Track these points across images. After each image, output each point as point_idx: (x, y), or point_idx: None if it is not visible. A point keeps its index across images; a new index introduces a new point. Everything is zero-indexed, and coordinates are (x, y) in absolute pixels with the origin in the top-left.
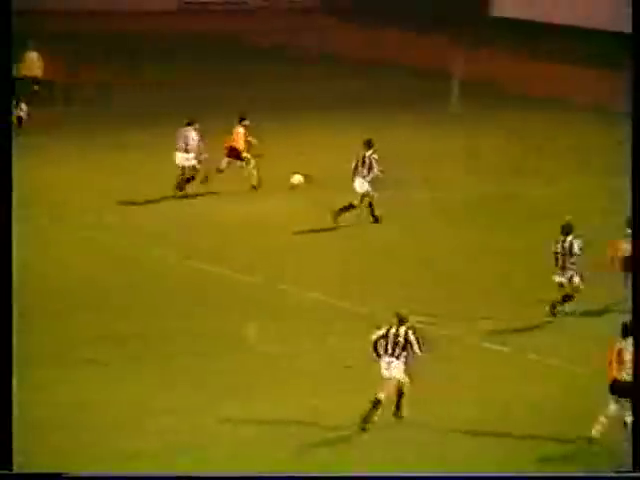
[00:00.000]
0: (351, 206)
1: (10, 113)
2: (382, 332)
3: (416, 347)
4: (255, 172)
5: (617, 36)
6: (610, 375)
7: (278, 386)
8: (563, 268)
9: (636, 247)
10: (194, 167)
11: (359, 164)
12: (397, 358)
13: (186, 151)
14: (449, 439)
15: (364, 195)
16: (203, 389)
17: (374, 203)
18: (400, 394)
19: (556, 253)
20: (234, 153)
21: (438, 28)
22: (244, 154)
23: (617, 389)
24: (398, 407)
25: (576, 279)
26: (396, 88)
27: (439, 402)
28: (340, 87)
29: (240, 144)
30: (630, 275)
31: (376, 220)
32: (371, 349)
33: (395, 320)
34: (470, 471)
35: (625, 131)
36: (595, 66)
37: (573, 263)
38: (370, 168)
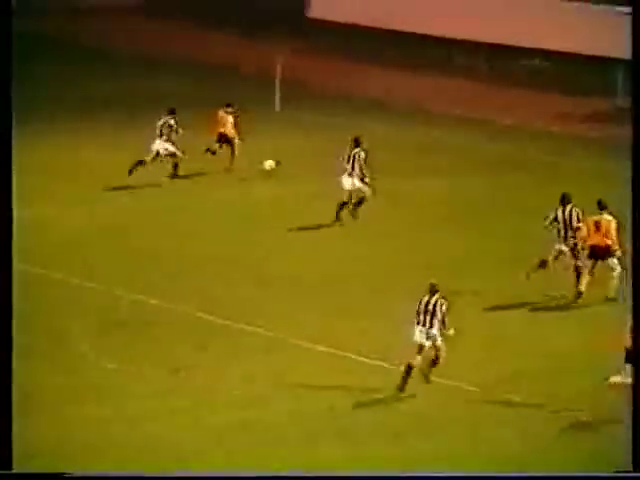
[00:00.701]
0: (343, 204)
1: (10, 111)
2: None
3: (442, 317)
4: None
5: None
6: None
7: None
8: (565, 238)
9: (636, 245)
10: (174, 154)
11: (345, 161)
12: (430, 326)
13: (167, 140)
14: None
15: (352, 192)
16: None
17: (365, 200)
18: (434, 361)
19: (556, 221)
20: (224, 138)
21: (262, 30)
22: (235, 139)
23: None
24: (428, 372)
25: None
26: (220, 89)
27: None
28: (164, 88)
29: (229, 130)
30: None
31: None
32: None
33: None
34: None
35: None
36: (411, 67)
37: (574, 232)
38: (354, 165)
